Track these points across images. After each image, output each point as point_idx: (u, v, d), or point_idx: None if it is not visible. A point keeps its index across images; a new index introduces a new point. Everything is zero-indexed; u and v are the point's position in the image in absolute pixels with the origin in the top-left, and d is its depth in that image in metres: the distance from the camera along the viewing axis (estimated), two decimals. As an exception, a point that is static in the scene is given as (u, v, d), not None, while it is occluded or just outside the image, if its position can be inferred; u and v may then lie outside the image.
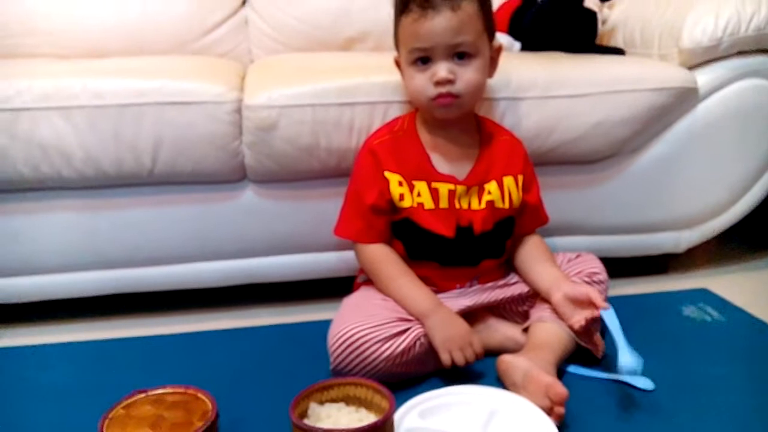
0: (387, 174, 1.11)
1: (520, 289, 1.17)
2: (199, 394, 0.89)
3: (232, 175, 1.26)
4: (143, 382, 0.92)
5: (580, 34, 1.48)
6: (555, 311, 1.09)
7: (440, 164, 1.12)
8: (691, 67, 1.37)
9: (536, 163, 1.24)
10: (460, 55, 1.05)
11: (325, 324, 1.07)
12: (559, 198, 1.34)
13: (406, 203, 1.11)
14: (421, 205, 1.11)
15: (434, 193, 1.11)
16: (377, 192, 1.11)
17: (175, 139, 1.19)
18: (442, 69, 1.05)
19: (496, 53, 1.12)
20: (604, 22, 1.57)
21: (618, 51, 1.52)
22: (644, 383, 1.04)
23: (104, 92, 1.17)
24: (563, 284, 1.09)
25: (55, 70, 1.30)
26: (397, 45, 1.12)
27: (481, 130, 1.17)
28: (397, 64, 1.14)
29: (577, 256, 1.21)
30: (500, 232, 1.16)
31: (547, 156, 1.30)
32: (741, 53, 1.36)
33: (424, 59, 1.06)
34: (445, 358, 1.03)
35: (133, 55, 1.58)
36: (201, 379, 0.95)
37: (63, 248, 1.27)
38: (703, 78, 1.35)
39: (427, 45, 1.04)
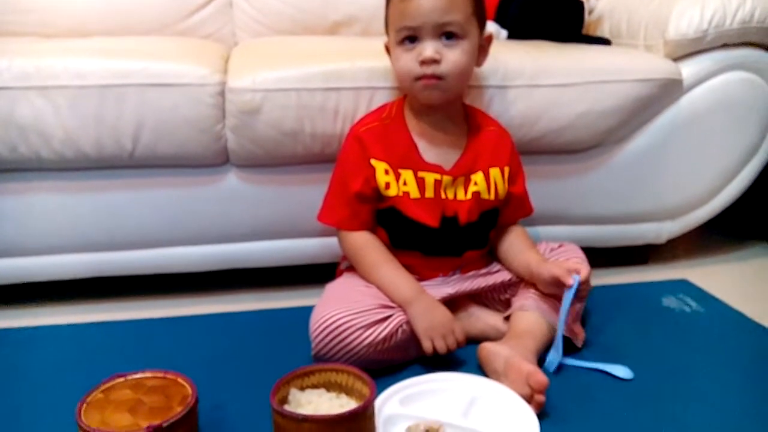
0: (373, 162, 1.10)
1: (502, 277, 1.17)
2: (179, 379, 0.89)
3: (215, 159, 1.24)
4: (122, 366, 0.91)
5: (566, 24, 1.48)
6: (537, 299, 1.11)
7: (427, 153, 1.12)
8: (677, 59, 1.37)
9: (521, 152, 1.23)
10: (447, 35, 1.04)
11: (307, 310, 1.06)
12: (542, 187, 1.34)
13: (392, 192, 1.10)
14: (406, 194, 1.10)
15: (420, 183, 1.10)
16: (363, 179, 1.10)
17: (157, 122, 1.18)
18: (428, 48, 1.04)
19: (486, 42, 1.12)
20: (590, 12, 1.57)
21: (604, 41, 1.52)
22: (623, 372, 1.05)
23: (86, 72, 1.16)
24: (541, 270, 1.10)
25: (37, 49, 1.27)
26: (387, 27, 1.11)
27: (469, 119, 1.17)
28: (387, 50, 1.13)
29: (560, 246, 1.22)
30: (485, 222, 1.16)
31: (532, 145, 1.30)
32: (726, 45, 1.37)
33: (411, 38, 1.05)
34: (427, 345, 1.03)
35: (117, 35, 1.55)
36: (181, 364, 0.95)
37: (42, 231, 1.25)
38: (688, 70, 1.36)
39: (415, 24, 1.03)
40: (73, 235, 1.26)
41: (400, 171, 1.10)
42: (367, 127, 1.13)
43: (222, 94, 1.19)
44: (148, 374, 0.90)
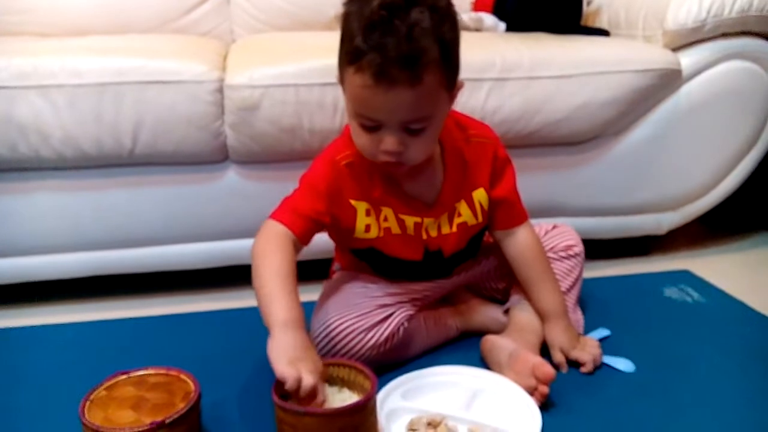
0: (353, 202, 1.00)
1: (495, 262, 1.15)
2: (182, 375, 0.89)
3: (214, 156, 1.24)
4: (125, 363, 0.91)
5: (565, 15, 1.48)
6: None
7: (407, 184, 1.01)
8: (675, 49, 1.37)
9: (520, 144, 1.23)
10: (413, 127, 0.89)
11: (308, 306, 1.05)
12: (541, 179, 1.34)
13: (372, 234, 1.02)
14: (387, 230, 1.03)
15: (401, 222, 1.03)
16: (328, 215, 0.99)
17: (156, 120, 1.18)
18: (390, 143, 0.89)
19: (457, 91, 0.94)
20: (589, 3, 1.57)
21: (603, 32, 1.52)
22: (625, 365, 1.05)
23: (83, 71, 1.16)
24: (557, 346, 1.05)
25: (34, 48, 1.27)
26: (339, 67, 0.91)
27: (443, 142, 1.02)
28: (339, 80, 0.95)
29: (553, 228, 1.18)
30: (473, 244, 1.11)
31: (530, 137, 1.30)
32: (725, 35, 1.37)
33: (371, 127, 0.90)
34: (287, 371, 0.79)
35: (115, 33, 1.55)
36: (183, 360, 0.95)
37: (43, 230, 1.26)
38: (687, 60, 1.36)
39: (377, 118, 0.88)
40: (74, 234, 1.26)
41: (381, 207, 1.02)
42: (347, 161, 0.99)
43: (220, 90, 1.19)
44: (150, 371, 0.90)
